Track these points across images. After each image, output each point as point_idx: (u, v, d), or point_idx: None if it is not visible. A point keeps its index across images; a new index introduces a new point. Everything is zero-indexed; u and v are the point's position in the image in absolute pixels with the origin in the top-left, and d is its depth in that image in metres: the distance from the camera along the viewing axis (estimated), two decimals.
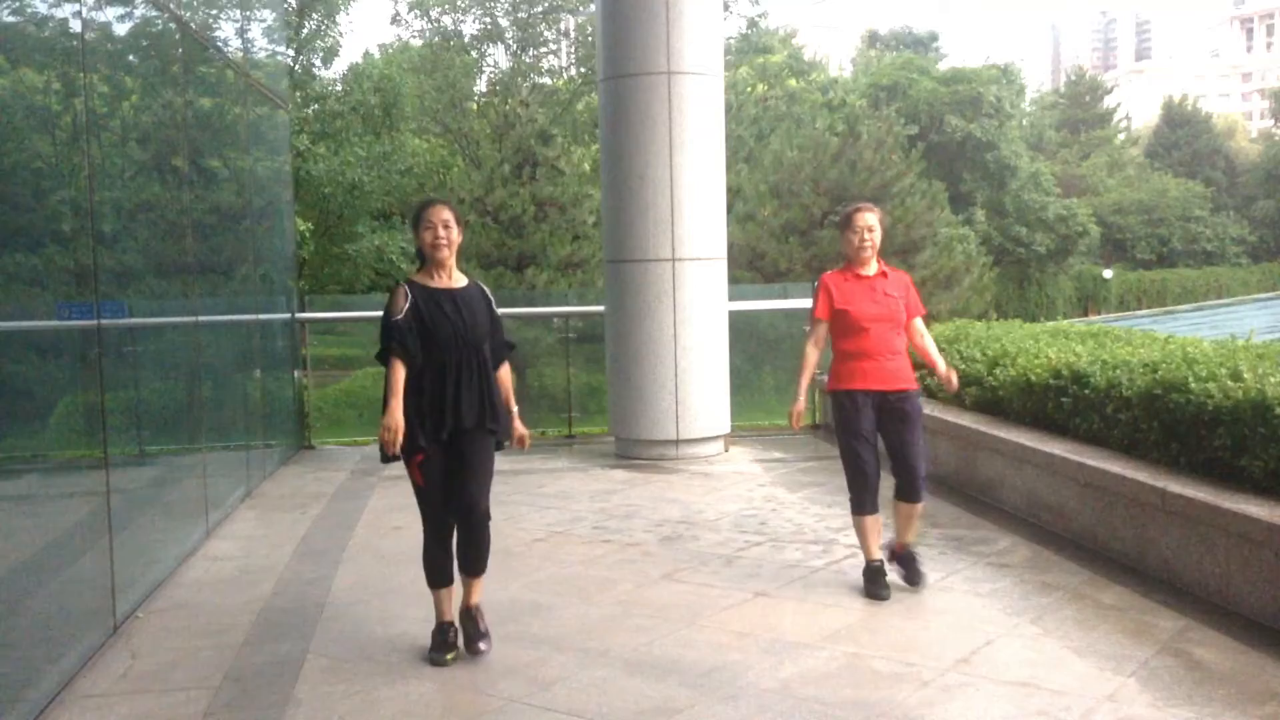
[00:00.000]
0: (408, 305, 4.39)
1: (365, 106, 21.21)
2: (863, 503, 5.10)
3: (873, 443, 5.10)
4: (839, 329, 5.17)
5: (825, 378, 5.41)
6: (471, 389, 4.40)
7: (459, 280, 4.53)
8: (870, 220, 5.14)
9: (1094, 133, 55.98)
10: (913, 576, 5.15)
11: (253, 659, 4.42)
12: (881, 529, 5.17)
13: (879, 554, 5.12)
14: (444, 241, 4.41)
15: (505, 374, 4.63)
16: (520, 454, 9.15)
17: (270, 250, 9.03)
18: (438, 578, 4.49)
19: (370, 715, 3.85)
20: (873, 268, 5.18)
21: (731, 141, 25.24)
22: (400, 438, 4.26)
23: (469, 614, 4.50)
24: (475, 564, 4.48)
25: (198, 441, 6.61)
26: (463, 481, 4.40)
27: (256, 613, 5.01)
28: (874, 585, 5.03)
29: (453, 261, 4.52)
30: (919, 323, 5.28)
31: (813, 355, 5.28)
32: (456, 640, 4.44)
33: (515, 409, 4.60)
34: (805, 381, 5.27)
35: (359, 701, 3.96)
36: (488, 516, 4.45)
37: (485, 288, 4.62)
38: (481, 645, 4.42)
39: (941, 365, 5.36)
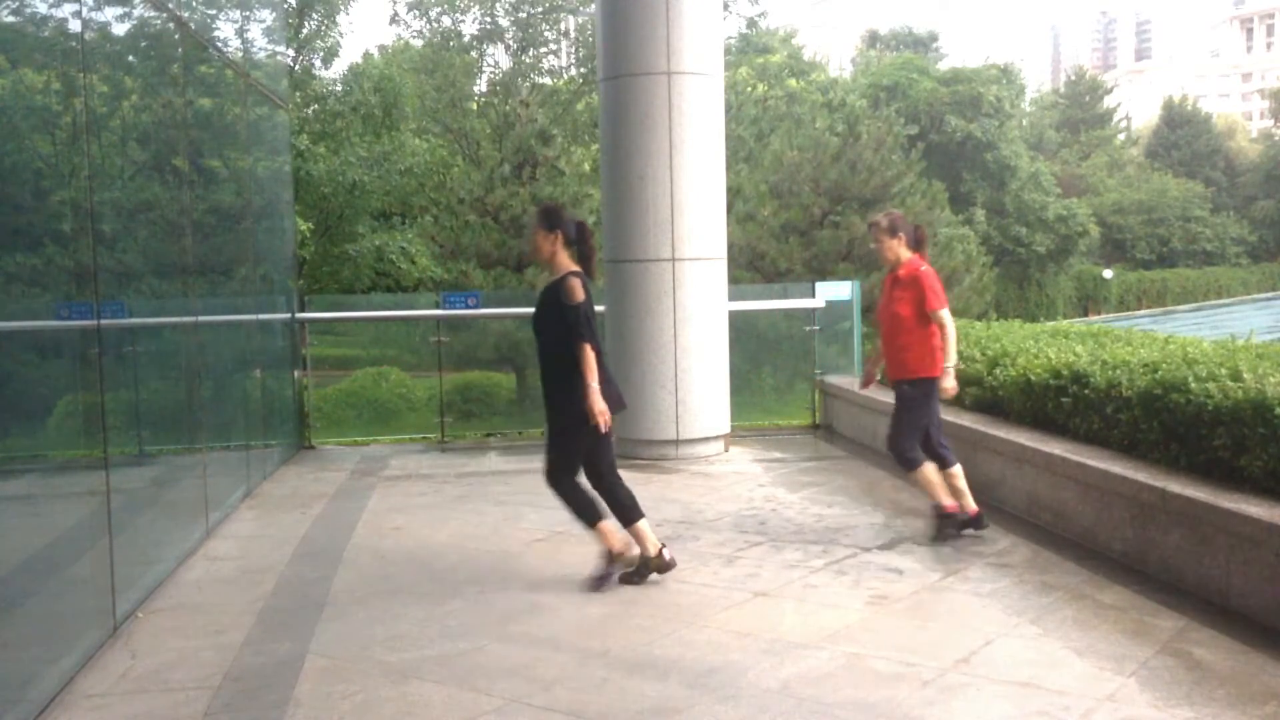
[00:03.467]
0: None
1: (365, 106, 21.18)
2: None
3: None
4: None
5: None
6: (541, 375, 5.29)
7: (558, 275, 5.21)
8: (872, 230, 6.02)
9: (1094, 133, 56.01)
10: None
11: (253, 659, 4.42)
12: (939, 480, 5.86)
13: (946, 502, 5.85)
14: (528, 248, 5.57)
15: (587, 356, 5.10)
16: (520, 454, 9.16)
17: (270, 250, 9.03)
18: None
19: (370, 715, 3.85)
20: (894, 268, 5.98)
21: (731, 141, 25.20)
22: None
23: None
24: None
25: (198, 441, 6.61)
26: None
27: (256, 613, 5.01)
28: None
29: (552, 260, 5.23)
30: (937, 314, 5.80)
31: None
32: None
33: (593, 386, 5.08)
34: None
35: (359, 701, 3.96)
36: (551, 480, 5.35)
37: (560, 282, 5.16)
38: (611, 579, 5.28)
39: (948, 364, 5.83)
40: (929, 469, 5.87)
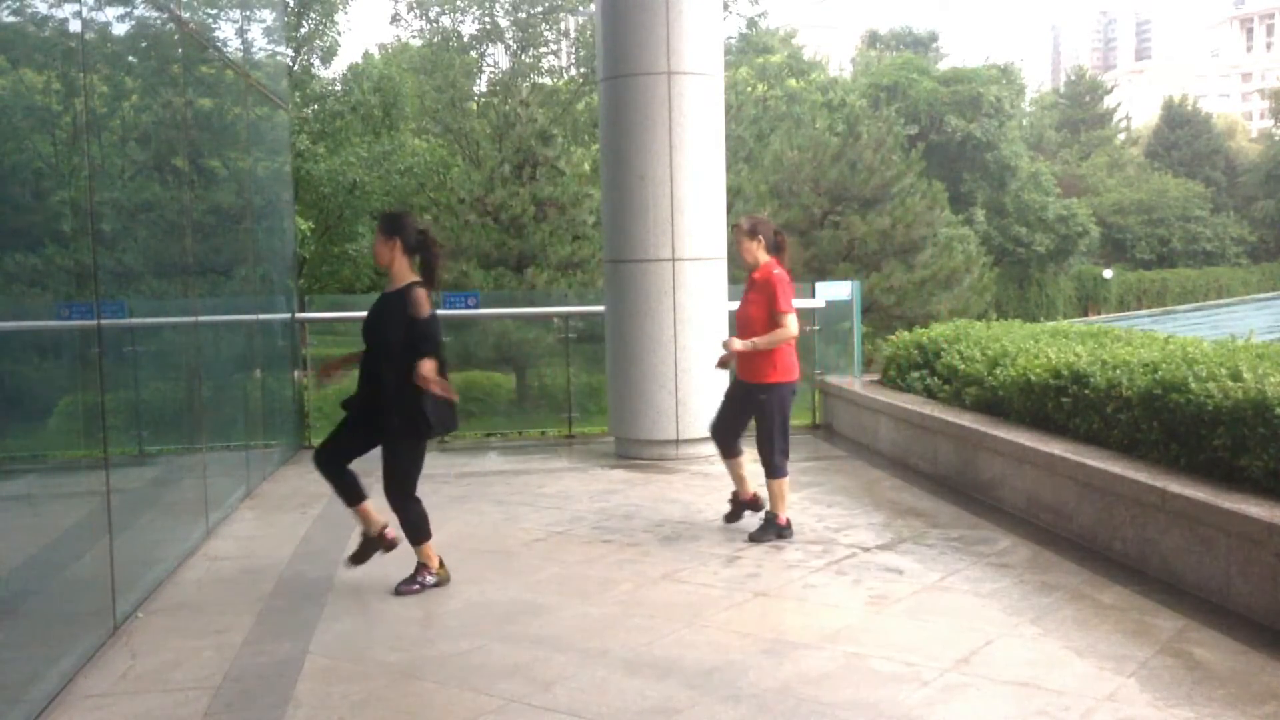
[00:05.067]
0: None
1: (365, 106, 21.21)
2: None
3: (725, 410, 6.24)
4: None
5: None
6: (364, 385, 5.09)
7: (398, 284, 5.08)
8: (735, 231, 6.16)
9: (1094, 133, 56.00)
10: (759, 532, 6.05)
11: (253, 659, 4.42)
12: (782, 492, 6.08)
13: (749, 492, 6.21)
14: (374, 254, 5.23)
15: (425, 364, 4.86)
16: (520, 454, 9.16)
17: (270, 250, 9.03)
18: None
19: (370, 715, 3.85)
20: (751, 270, 6.09)
21: (731, 141, 25.22)
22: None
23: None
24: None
25: (198, 441, 6.61)
26: None
27: (256, 613, 5.01)
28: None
29: (390, 268, 5.10)
30: (783, 317, 5.92)
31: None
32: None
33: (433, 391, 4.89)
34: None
35: (359, 701, 3.96)
36: (394, 505, 5.16)
37: (405, 293, 4.98)
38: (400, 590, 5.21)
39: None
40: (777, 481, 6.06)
